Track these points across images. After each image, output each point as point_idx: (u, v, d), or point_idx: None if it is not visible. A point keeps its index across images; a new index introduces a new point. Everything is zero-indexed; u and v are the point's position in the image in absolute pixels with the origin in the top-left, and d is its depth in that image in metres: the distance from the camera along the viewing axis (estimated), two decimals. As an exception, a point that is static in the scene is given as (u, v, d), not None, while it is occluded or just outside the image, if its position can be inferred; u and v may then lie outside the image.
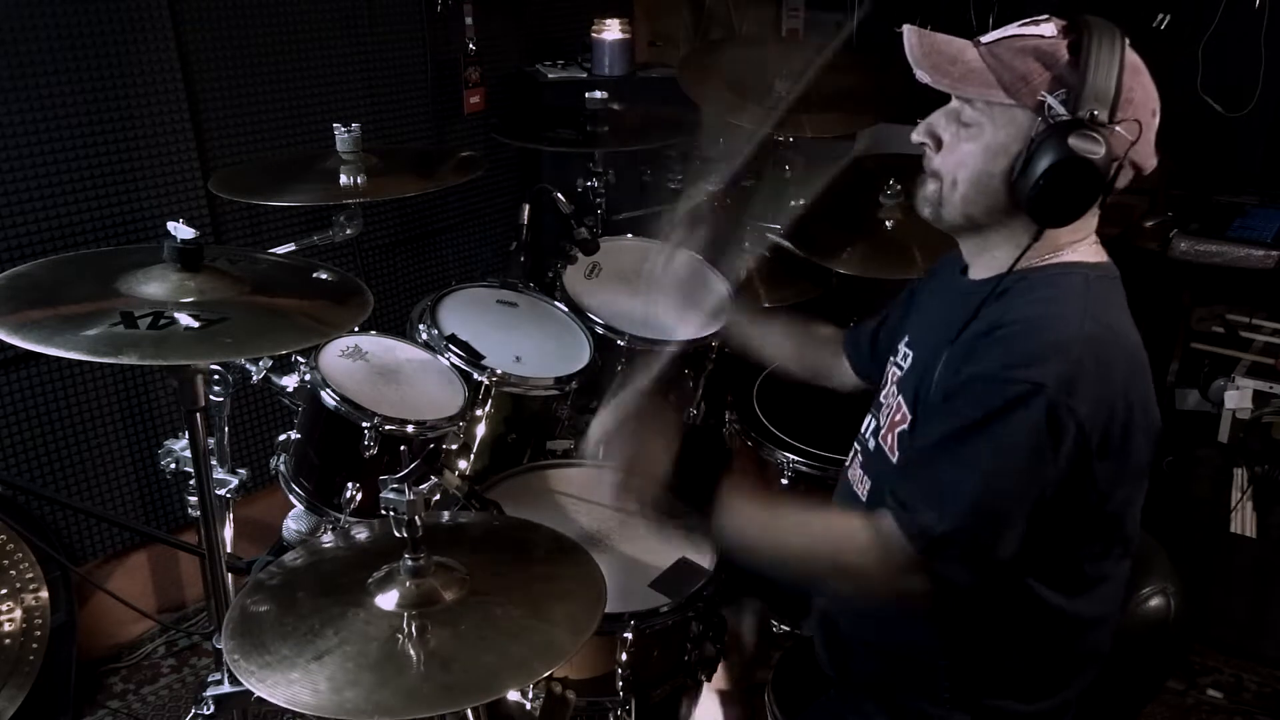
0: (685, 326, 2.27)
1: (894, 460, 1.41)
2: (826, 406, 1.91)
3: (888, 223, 2.51)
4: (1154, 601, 1.47)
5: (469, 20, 2.99)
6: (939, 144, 1.35)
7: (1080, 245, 1.33)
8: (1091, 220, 1.34)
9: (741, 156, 2.24)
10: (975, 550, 1.24)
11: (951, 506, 1.22)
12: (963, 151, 1.32)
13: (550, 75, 3.13)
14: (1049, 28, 1.28)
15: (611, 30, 3.09)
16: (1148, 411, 1.28)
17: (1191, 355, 2.69)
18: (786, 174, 2.91)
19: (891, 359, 1.53)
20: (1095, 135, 1.20)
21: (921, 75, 1.30)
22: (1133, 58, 1.26)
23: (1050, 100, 1.23)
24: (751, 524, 1.42)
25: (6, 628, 1.89)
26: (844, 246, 2.56)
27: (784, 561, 1.41)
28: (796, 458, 2.11)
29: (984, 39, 1.32)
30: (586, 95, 2.64)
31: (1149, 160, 1.28)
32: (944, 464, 1.25)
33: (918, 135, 1.38)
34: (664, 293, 2.09)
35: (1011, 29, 1.30)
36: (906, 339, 1.51)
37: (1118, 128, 1.22)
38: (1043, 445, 1.20)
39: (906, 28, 1.32)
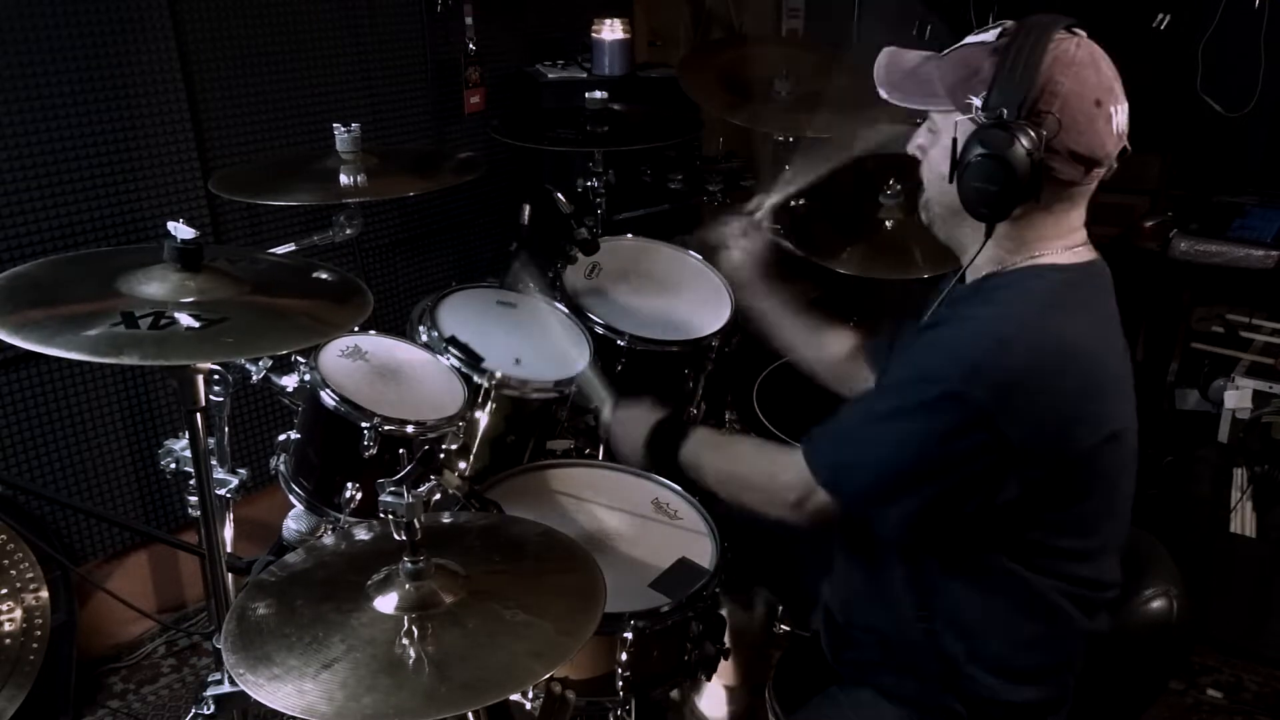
0: (686, 326, 2.27)
1: None
2: (826, 406, 1.91)
3: (888, 223, 2.51)
4: (1157, 603, 1.47)
5: (469, 20, 2.99)
6: (925, 153, 1.42)
7: (1055, 244, 1.35)
8: (1066, 219, 1.35)
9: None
10: (866, 495, 1.37)
11: (847, 471, 1.37)
12: (930, 158, 1.39)
13: (550, 75, 3.13)
14: (993, 33, 1.33)
15: (611, 30, 3.09)
16: (1094, 416, 1.30)
17: (1191, 355, 2.70)
18: (786, 174, 2.91)
19: None
20: (1003, 132, 1.25)
21: (882, 92, 1.39)
22: (1067, 50, 1.27)
23: (975, 102, 1.29)
24: (707, 443, 1.59)
25: (7, 628, 1.89)
26: (844, 246, 2.56)
27: (722, 476, 1.56)
28: (796, 458, 2.11)
29: (946, 51, 1.38)
30: (586, 95, 2.64)
31: (1098, 149, 1.29)
32: (859, 432, 1.37)
33: (909, 148, 1.44)
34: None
35: (968, 38, 1.36)
36: None
37: (1027, 122, 1.26)
38: (947, 447, 1.27)
39: (885, 50, 1.41)
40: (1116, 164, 1.32)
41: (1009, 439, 1.24)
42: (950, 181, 1.33)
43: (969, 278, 1.42)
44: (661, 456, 1.63)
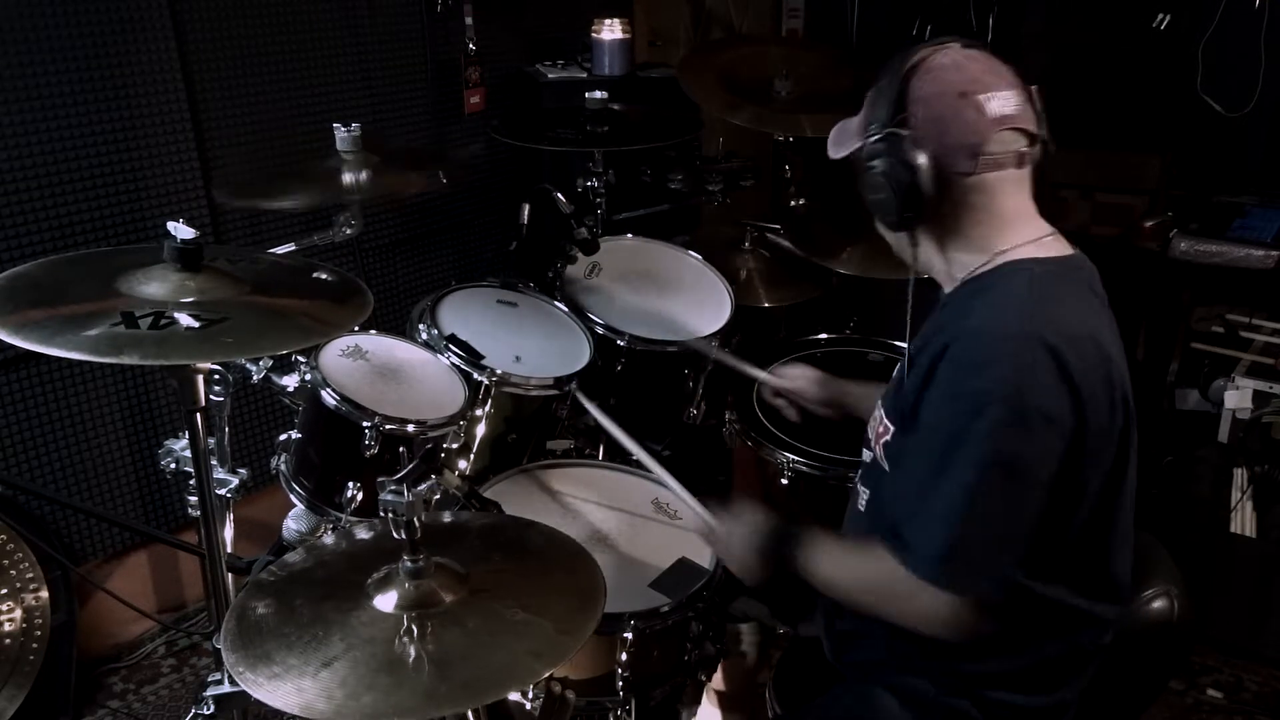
0: (686, 326, 2.27)
1: (886, 468, 1.44)
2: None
3: (888, 223, 2.50)
4: (1158, 604, 1.47)
5: (469, 20, 2.99)
6: None
7: (1011, 238, 1.36)
8: (996, 210, 1.35)
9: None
10: (986, 560, 1.28)
11: (947, 536, 1.27)
12: None
13: (550, 75, 3.13)
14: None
15: (611, 30, 3.09)
16: (1112, 399, 1.30)
17: (1191, 355, 2.70)
18: (786, 174, 2.92)
19: None
20: (876, 143, 1.34)
21: (830, 153, 1.47)
22: (926, 60, 1.34)
23: (869, 129, 1.37)
24: (826, 554, 1.45)
25: (7, 628, 1.89)
26: (844, 246, 2.57)
27: (839, 595, 1.45)
28: (796, 458, 2.11)
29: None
30: (586, 95, 2.64)
31: (972, 135, 1.31)
32: (932, 498, 1.29)
33: None
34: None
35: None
36: None
37: (899, 130, 1.32)
38: (1016, 447, 1.24)
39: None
40: (1032, 148, 1.34)
41: (1052, 417, 1.23)
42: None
43: (946, 290, 1.43)
44: (776, 569, 1.51)
